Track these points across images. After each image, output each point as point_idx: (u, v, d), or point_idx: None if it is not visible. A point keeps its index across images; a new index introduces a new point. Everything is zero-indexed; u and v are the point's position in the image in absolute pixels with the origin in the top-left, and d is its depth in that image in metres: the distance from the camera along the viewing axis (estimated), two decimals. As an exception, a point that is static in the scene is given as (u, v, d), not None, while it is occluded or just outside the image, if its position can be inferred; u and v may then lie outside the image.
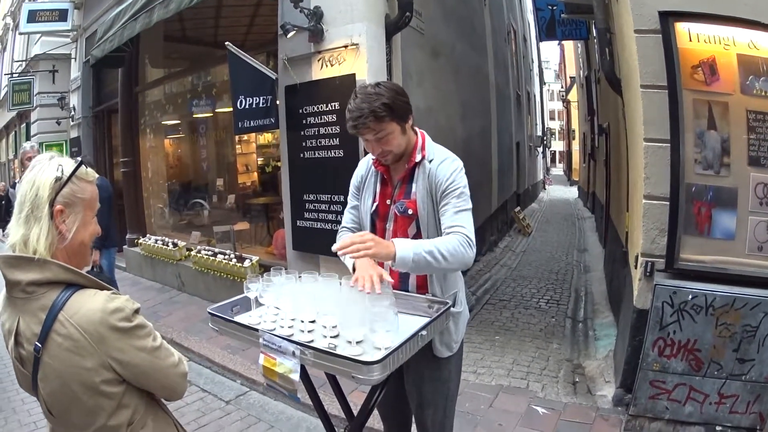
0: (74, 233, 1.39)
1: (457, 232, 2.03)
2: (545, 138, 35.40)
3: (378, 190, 2.31)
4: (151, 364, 1.39)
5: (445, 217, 2.10)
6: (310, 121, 5.14)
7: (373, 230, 2.32)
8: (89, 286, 1.37)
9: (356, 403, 2.42)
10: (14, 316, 1.34)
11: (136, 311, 1.38)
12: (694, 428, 3.40)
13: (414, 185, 2.19)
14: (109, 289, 1.39)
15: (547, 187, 33.07)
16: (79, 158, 1.46)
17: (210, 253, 6.82)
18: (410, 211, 2.18)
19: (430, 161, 2.17)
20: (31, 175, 1.36)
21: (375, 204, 2.30)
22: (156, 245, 7.93)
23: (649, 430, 3.47)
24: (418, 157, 2.18)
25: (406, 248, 1.92)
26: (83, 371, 1.30)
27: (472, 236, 2.04)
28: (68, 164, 1.39)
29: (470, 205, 2.13)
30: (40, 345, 1.29)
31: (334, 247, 1.97)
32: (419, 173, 2.18)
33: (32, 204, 1.33)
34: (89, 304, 1.31)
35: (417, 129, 2.25)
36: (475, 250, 2.04)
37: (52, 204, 1.34)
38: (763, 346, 3.24)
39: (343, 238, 2.06)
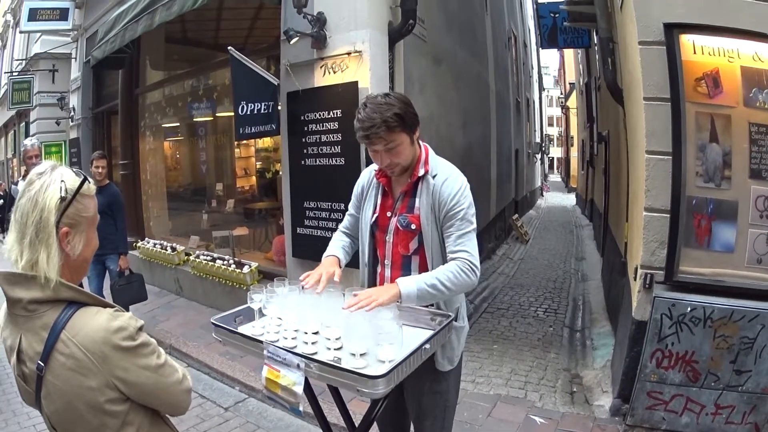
0: (79, 252, 1.37)
1: (459, 258, 2.08)
2: (543, 144, 35.42)
3: (379, 201, 2.31)
4: (155, 382, 1.36)
5: (449, 241, 2.13)
6: (311, 128, 5.12)
7: (373, 241, 2.33)
8: (91, 304, 1.34)
9: (356, 411, 2.43)
10: (16, 333, 1.32)
11: (140, 329, 1.35)
12: (691, 439, 3.41)
13: (417, 200, 2.19)
14: (112, 307, 1.36)
15: (545, 193, 33.10)
16: (80, 171, 1.38)
17: (209, 258, 6.78)
18: (413, 226, 2.18)
19: (434, 176, 2.17)
20: (33, 193, 1.29)
21: (375, 215, 2.30)
22: (154, 249, 7.91)
23: (646, 441, 3.48)
24: (421, 171, 2.18)
25: (409, 285, 2.01)
26: (87, 391, 1.28)
27: (475, 260, 2.10)
28: (70, 178, 1.34)
29: (474, 225, 2.17)
30: (42, 364, 1.27)
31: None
32: (422, 188, 2.18)
33: (36, 227, 1.27)
34: (92, 323, 1.29)
35: (420, 142, 2.25)
36: (478, 274, 2.10)
37: (57, 226, 1.29)
38: (760, 357, 3.27)
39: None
